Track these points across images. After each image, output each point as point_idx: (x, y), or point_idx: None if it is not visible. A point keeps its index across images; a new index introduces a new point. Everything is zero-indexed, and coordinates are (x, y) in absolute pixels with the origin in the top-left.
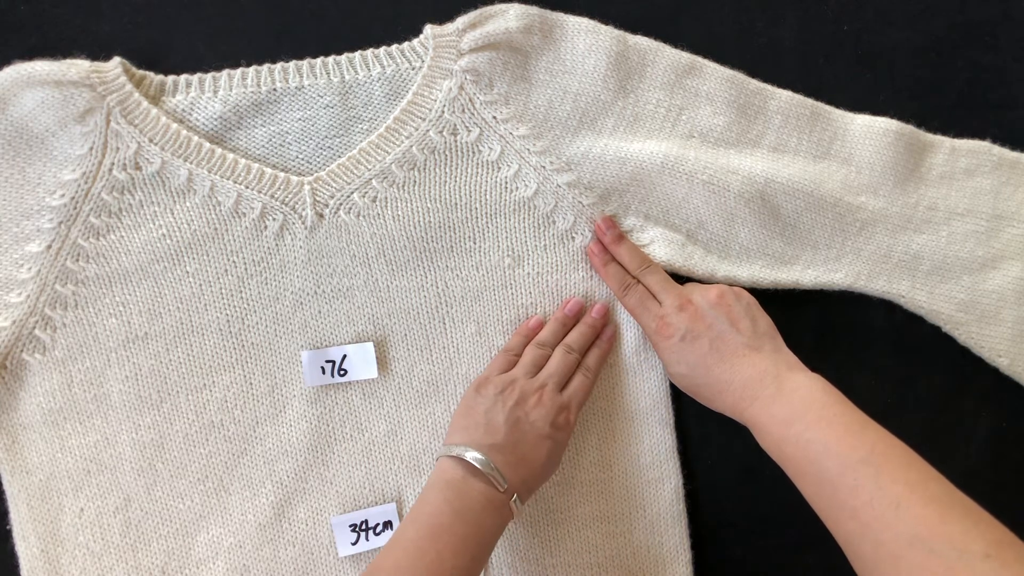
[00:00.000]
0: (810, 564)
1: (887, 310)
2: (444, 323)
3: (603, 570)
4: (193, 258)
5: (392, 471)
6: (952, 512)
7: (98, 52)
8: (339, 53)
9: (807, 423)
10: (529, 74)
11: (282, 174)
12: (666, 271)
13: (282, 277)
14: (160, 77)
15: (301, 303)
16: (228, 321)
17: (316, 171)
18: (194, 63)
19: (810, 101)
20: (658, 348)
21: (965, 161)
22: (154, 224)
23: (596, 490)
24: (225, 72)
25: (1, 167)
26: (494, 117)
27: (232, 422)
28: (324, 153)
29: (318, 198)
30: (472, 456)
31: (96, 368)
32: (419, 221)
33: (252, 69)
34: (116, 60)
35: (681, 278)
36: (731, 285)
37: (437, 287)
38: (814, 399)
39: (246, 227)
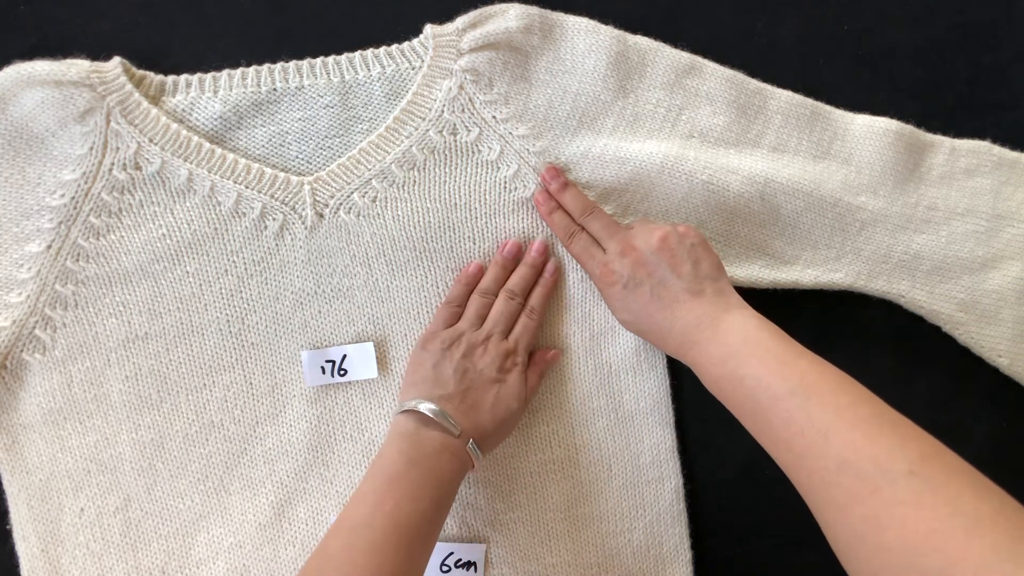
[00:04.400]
0: (810, 563)
1: (887, 310)
2: None
3: (603, 570)
4: (193, 258)
5: None
6: (879, 432)
7: (98, 52)
8: (339, 53)
9: (740, 360)
10: (529, 74)
11: (282, 174)
12: None
13: (282, 277)
14: (160, 77)
15: (301, 303)
16: (228, 321)
17: (316, 171)
18: (194, 63)
19: (810, 101)
20: (603, 295)
21: (965, 161)
22: (154, 224)
23: (596, 490)
24: (225, 72)
25: (1, 167)
26: (494, 117)
27: (232, 422)
28: (324, 153)
29: (318, 198)
30: (424, 407)
31: (96, 368)
32: (419, 221)
33: (252, 69)
34: (116, 60)
35: None
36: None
37: (437, 287)
38: (748, 336)
39: (246, 227)
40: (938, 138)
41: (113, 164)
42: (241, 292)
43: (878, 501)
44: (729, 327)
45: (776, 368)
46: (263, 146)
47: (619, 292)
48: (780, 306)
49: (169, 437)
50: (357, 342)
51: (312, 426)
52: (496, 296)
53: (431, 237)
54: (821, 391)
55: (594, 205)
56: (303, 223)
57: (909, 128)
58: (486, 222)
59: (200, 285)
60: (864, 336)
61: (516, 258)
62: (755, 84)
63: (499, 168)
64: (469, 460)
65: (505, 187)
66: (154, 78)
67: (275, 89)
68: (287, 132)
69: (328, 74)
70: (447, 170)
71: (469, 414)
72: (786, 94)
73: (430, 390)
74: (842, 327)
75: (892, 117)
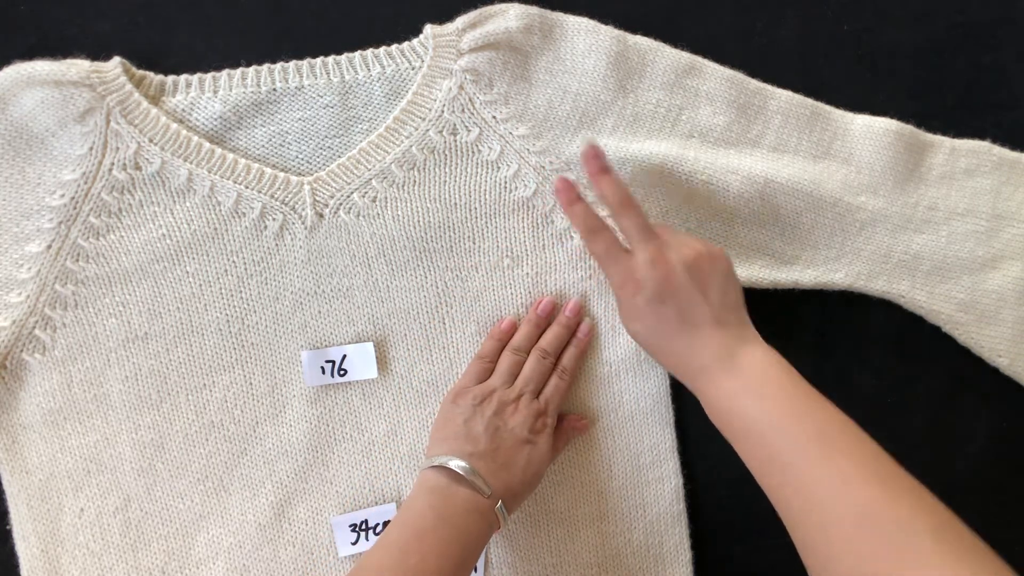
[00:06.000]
0: None
1: (887, 310)
2: (444, 323)
3: (603, 570)
4: (193, 258)
5: (392, 471)
6: (900, 492)
7: (98, 52)
8: (339, 53)
9: (755, 398)
10: (529, 74)
11: (282, 174)
12: None
13: (282, 277)
14: (160, 77)
15: (301, 303)
16: (228, 321)
17: (316, 171)
18: (194, 63)
19: (810, 101)
20: (620, 302)
21: (965, 161)
22: (154, 224)
23: (596, 490)
24: (225, 72)
25: (1, 167)
26: (494, 117)
27: (232, 422)
28: (324, 153)
29: (318, 198)
30: (455, 464)
31: (96, 368)
32: (419, 221)
33: (252, 69)
34: (116, 60)
35: None
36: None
37: (437, 287)
38: (766, 374)
39: (246, 227)
40: (938, 138)
41: (113, 164)
42: (241, 292)
43: (899, 560)
44: (748, 362)
45: (794, 412)
46: (263, 146)
47: (640, 303)
48: (780, 306)
49: (169, 437)
50: (357, 342)
51: (312, 426)
52: (528, 354)
53: (431, 237)
54: (840, 442)
55: (632, 199)
56: (303, 223)
57: (909, 128)
58: (486, 222)
59: (200, 285)
60: (864, 336)
61: (550, 316)
62: (755, 84)
63: (499, 168)
64: (496, 521)
65: (505, 187)
66: (154, 78)
67: (275, 89)
68: (287, 132)
69: (328, 74)
70: (447, 170)
71: (500, 474)
72: (786, 94)
73: (461, 447)
74: (842, 327)
75: (892, 117)
